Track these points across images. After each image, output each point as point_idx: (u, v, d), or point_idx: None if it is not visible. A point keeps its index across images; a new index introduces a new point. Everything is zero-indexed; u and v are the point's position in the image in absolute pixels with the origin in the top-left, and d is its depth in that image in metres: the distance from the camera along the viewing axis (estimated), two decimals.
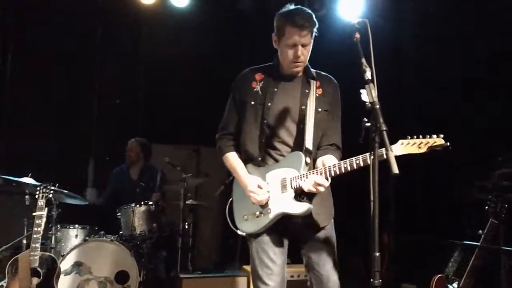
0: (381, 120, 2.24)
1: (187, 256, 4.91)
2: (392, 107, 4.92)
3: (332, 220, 2.76)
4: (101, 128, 6.07)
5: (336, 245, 2.73)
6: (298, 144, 2.67)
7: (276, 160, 2.69)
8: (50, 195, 3.79)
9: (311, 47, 2.68)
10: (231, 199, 2.79)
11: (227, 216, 2.76)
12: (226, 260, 5.78)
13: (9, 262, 3.61)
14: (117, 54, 6.08)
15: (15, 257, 3.63)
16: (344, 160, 2.50)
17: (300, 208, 2.59)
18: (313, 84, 2.73)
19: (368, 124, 2.32)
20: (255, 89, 2.72)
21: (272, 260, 2.63)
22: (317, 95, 2.71)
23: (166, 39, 6.13)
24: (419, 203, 5.33)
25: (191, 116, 6.03)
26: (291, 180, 2.61)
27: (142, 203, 4.51)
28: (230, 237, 5.76)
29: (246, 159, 2.73)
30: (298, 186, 2.58)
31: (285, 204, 2.61)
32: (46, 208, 3.74)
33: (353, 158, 2.49)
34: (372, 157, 2.25)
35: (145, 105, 6.34)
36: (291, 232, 2.71)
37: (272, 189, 2.65)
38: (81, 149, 5.95)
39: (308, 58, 2.70)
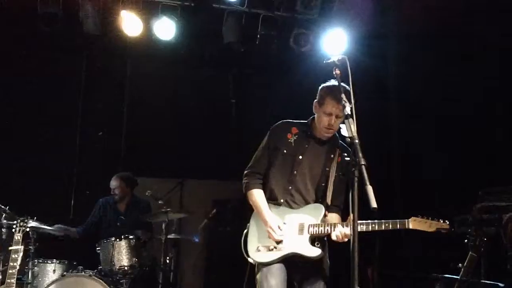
0: (360, 154, 2.31)
1: None
2: (375, 137, 5.01)
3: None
4: (83, 161, 6.01)
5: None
6: (312, 198, 3.08)
7: (290, 206, 3.07)
8: (28, 229, 3.72)
9: (342, 120, 2.86)
10: (246, 230, 3.10)
11: (242, 243, 3.05)
12: None
13: None
14: (102, 86, 6.09)
15: None
16: (373, 221, 2.84)
17: (314, 252, 2.96)
18: (337, 151, 3.10)
19: (348, 159, 2.37)
20: (289, 140, 3.11)
21: (277, 286, 2.94)
22: (338, 161, 3.10)
23: (152, 71, 6.17)
24: (401, 237, 5.33)
25: (176, 149, 6.01)
26: (309, 226, 2.98)
27: (123, 237, 4.43)
28: (213, 273, 5.68)
29: (269, 199, 3.09)
30: (318, 233, 2.96)
31: (300, 246, 2.96)
32: (23, 242, 3.66)
33: (382, 221, 2.83)
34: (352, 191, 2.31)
35: (129, 138, 6.30)
36: (289, 266, 3.02)
37: (289, 229, 3.00)
38: (63, 183, 5.86)
39: (337, 128, 3.02)
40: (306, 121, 3.16)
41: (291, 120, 3.19)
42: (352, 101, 2.49)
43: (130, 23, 5.26)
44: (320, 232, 2.96)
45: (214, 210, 5.35)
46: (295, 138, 3.10)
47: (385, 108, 5.79)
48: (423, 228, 2.80)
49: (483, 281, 3.48)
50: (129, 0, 5.26)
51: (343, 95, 2.54)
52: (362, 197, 2.28)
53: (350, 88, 2.56)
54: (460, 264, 3.20)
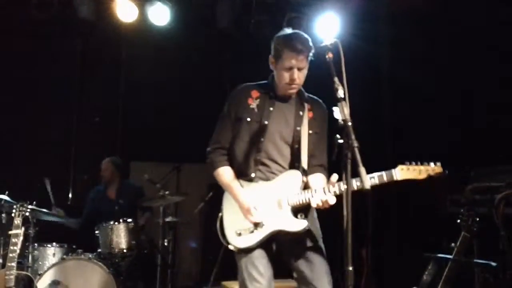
0: (353, 137, 2.32)
1: (167, 274, 4.89)
2: (368, 122, 5.06)
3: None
4: (80, 146, 6.05)
5: None
6: (289, 164, 2.78)
7: (267, 178, 2.76)
8: (27, 213, 3.77)
9: (306, 71, 2.78)
10: (220, 214, 2.81)
11: (218, 230, 2.78)
12: (205, 277, 5.76)
13: None
14: (97, 71, 6.10)
15: None
16: (356, 178, 2.47)
17: (298, 225, 2.67)
18: (306, 106, 2.83)
19: (341, 141, 2.41)
20: (251, 106, 2.79)
21: (261, 274, 2.68)
22: (309, 118, 2.82)
23: (146, 57, 6.17)
24: (393, 217, 5.42)
25: (172, 133, 6.05)
26: (287, 198, 2.69)
27: (121, 220, 4.49)
28: (210, 254, 5.74)
29: (238, 174, 2.78)
30: (298, 203, 2.67)
31: (282, 221, 2.68)
32: (23, 227, 3.72)
33: (368, 175, 2.49)
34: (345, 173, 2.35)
35: (126, 123, 6.34)
36: (277, 247, 2.77)
37: (267, 205, 2.71)
38: (60, 168, 5.91)
39: (303, 82, 2.79)
40: (266, 81, 2.87)
41: (249, 83, 2.88)
42: (345, 84, 2.49)
43: (125, 9, 5.27)
44: (300, 202, 2.67)
45: (211, 193, 5.40)
46: (257, 102, 2.79)
47: (377, 91, 5.84)
48: (413, 177, 2.53)
49: (475, 260, 3.51)
50: None
51: (335, 78, 2.42)
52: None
53: (343, 71, 2.57)
54: (452, 244, 3.25)
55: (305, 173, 2.74)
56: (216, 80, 6.23)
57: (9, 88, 5.67)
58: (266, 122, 2.76)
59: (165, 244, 4.89)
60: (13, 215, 3.73)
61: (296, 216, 2.69)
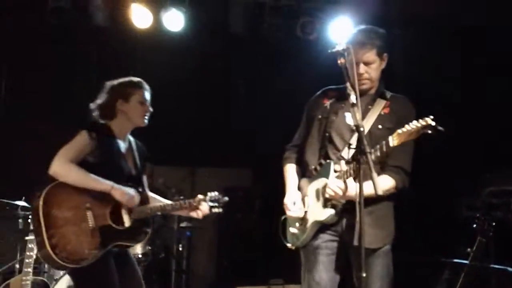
0: (365, 142, 2.32)
1: (181, 279, 4.92)
2: None
3: (388, 247, 2.74)
4: None
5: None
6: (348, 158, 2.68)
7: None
8: None
9: (378, 64, 2.72)
10: (285, 216, 2.87)
11: (280, 231, 2.88)
12: (221, 281, 5.78)
13: (1, 287, 3.61)
14: (113, 77, 6.15)
15: (7, 282, 3.64)
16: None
17: (323, 214, 2.65)
18: (380, 102, 2.75)
19: (353, 147, 2.41)
20: (325, 105, 2.83)
21: (320, 275, 2.67)
22: (382, 113, 2.72)
23: (161, 62, 6.21)
24: (408, 222, 5.35)
25: (187, 138, 6.08)
26: (321, 189, 2.67)
27: None
28: (225, 259, 5.76)
29: (305, 171, 2.82)
30: (325, 194, 2.64)
31: (316, 212, 2.69)
32: None
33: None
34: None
35: (140, 128, 6.36)
36: (346, 253, 2.71)
37: (311, 200, 2.74)
38: None
39: (377, 76, 2.74)
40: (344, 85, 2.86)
41: (331, 86, 2.91)
42: (357, 90, 2.43)
43: (139, 15, 5.32)
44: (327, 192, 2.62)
45: (226, 198, 5.41)
46: (331, 101, 2.82)
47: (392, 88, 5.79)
48: (409, 138, 2.41)
49: (492, 266, 3.47)
50: None
51: (348, 84, 2.42)
52: None
53: (355, 76, 2.49)
54: (469, 249, 3.21)
55: (348, 163, 2.60)
56: (230, 85, 6.25)
57: (25, 94, 5.75)
58: (334, 117, 2.76)
59: (180, 249, 4.91)
60: (29, 220, 3.77)
61: (325, 205, 2.66)
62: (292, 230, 2.79)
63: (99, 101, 3.16)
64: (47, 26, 5.44)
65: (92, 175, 2.86)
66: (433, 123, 2.34)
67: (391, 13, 5.59)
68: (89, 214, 2.82)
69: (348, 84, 2.48)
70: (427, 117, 2.37)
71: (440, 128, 2.35)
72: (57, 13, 5.28)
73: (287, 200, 2.77)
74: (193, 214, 3.14)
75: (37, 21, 5.48)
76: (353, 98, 2.44)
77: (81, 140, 2.97)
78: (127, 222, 2.92)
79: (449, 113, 4.96)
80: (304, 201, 2.77)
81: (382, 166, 2.68)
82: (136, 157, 3.22)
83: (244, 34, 5.89)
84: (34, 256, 3.62)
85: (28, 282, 3.56)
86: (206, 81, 6.28)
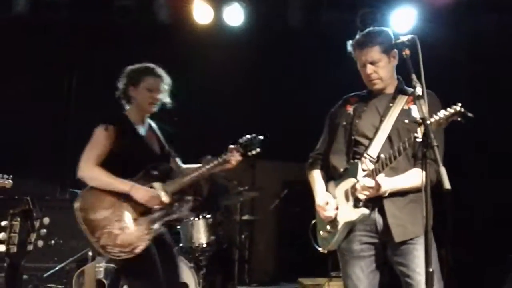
0: (432, 135, 2.28)
1: (244, 269, 5.01)
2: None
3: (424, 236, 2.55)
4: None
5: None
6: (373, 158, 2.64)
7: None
8: None
9: (386, 62, 2.68)
10: (314, 220, 2.83)
11: (310, 235, 2.82)
12: (282, 272, 5.84)
13: (76, 274, 3.81)
14: (174, 73, 6.31)
15: (82, 268, 3.83)
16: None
17: (355, 214, 2.59)
18: (402, 98, 2.71)
19: (419, 140, 2.37)
20: (348, 111, 2.80)
21: (357, 275, 2.64)
22: (406, 107, 2.66)
23: (221, 57, 6.32)
24: (477, 217, 5.20)
25: (246, 131, 6.15)
26: (350, 189, 2.63)
27: (201, 216, 4.66)
28: (286, 250, 5.82)
29: (333, 176, 2.78)
30: (355, 192, 2.60)
31: (347, 213, 2.63)
32: None
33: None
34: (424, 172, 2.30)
35: (202, 122, 6.53)
36: (384, 252, 2.67)
37: (340, 202, 2.69)
38: None
39: (388, 74, 2.70)
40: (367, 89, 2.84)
41: (354, 93, 2.91)
42: (423, 82, 2.40)
43: (201, 11, 5.44)
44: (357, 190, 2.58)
45: (285, 191, 5.47)
46: (354, 107, 2.80)
47: (457, 88, 5.61)
48: (439, 127, 2.38)
49: None
50: None
51: (413, 76, 2.36)
52: None
53: (421, 68, 2.45)
54: None
55: (369, 160, 2.61)
56: (289, 79, 6.26)
57: (92, 94, 6.00)
58: (357, 121, 2.73)
59: (242, 240, 5.01)
60: None
61: (356, 205, 2.60)
62: (323, 234, 2.74)
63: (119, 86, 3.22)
64: (113, 25, 5.65)
65: (112, 177, 2.93)
66: (462, 110, 2.31)
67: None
68: (127, 206, 2.91)
69: (413, 76, 2.42)
70: (455, 104, 2.33)
71: (469, 114, 2.31)
72: (122, 12, 5.49)
73: (320, 202, 2.72)
74: (229, 165, 3.15)
75: (103, 20, 5.71)
76: (419, 90, 2.38)
77: (99, 137, 3.03)
78: (165, 198, 2.98)
79: None
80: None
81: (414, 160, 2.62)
82: (160, 136, 3.27)
83: (302, 27, 5.88)
84: None
85: (101, 269, 3.73)
86: (264, 76, 6.33)
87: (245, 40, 5.96)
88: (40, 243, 2.06)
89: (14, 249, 2.00)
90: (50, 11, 5.47)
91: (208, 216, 4.68)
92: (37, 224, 2.05)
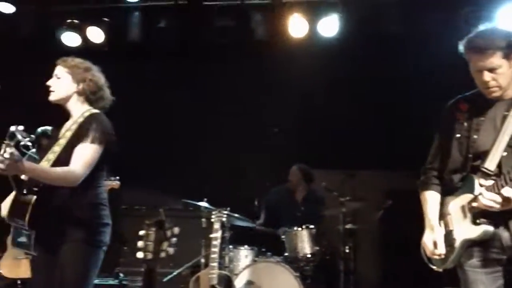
0: None
1: (349, 280, 4.96)
2: None
3: None
4: (256, 156, 6.41)
5: None
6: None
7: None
8: (224, 219, 4.17)
9: (507, 68, 2.42)
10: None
11: (422, 253, 2.69)
12: (388, 284, 5.69)
13: (192, 279, 4.05)
14: (273, 84, 6.47)
15: (197, 274, 4.05)
16: None
17: (475, 231, 2.43)
18: None
19: None
20: (461, 121, 2.58)
21: None
22: None
23: (317, 68, 6.36)
24: None
25: (346, 140, 6.12)
26: (467, 205, 2.47)
27: (304, 227, 4.70)
28: (391, 261, 5.67)
29: (446, 192, 2.64)
30: (473, 208, 2.43)
31: (465, 230, 2.48)
32: (220, 230, 4.13)
33: None
34: None
35: (299, 132, 6.59)
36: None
37: (456, 219, 2.54)
38: (243, 177, 6.35)
39: (507, 80, 2.44)
40: (477, 89, 2.57)
41: (462, 95, 2.66)
42: None
43: (297, 25, 5.54)
44: (476, 206, 2.39)
45: (390, 202, 5.34)
46: (466, 115, 2.55)
47: None
48: None
49: None
50: (294, 2, 5.56)
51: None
52: None
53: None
54: None
55: (485, 175, 2.43)
56: (385, 85, 6.15)
57: (192, 104, 6.32)
58: (475, 136, 2.51)
59: (347, 250, 4.96)
60: (212, 220, 4.16)
61: (475, 222, 2.42)
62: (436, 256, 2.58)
63: None
64: (211, 45, 5.93)
65: None
66: None
67: None
68: None
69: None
70: None
71: None
72: (222, 32, 5.74)
73: (427, 240, 2.58)
74: None
75: (202, 40, 6.01)
76: None
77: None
78: None
79: None
80: (447, 221, 2.56)
81: None
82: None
83: (399, 32, 5.75)
84: (218, 252, 3.98)
85: (215, 275, 3.91)
86: (362, 82, 6.26)
87: (339, 50, 5.95)
88: (171, 250, 2.25)
89: (150, 255, 2.21)
90: (160, 38, 5.90)
91: (312, 226, 4.71)
92: (168, 233, 2.24)
